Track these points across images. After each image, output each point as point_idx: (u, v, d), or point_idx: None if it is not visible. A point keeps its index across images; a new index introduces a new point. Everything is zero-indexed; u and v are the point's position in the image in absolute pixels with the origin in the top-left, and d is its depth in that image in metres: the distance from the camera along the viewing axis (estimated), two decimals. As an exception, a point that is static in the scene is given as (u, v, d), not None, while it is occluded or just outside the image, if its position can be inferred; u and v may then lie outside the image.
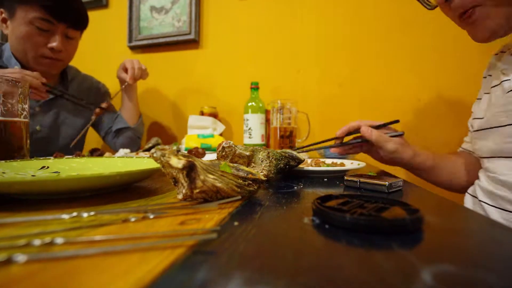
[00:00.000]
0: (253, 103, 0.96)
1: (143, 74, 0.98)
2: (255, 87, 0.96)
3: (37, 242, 0.15)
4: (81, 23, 0.85)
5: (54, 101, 0.90)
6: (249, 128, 0.95)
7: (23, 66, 0.82)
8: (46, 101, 0.88)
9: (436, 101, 0.95)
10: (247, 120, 0.96)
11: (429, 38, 0.96)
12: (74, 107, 0.94)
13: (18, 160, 0.38)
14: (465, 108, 0.91)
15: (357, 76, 1.03)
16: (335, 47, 1.06)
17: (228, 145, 0.34)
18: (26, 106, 0.48)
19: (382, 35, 1.01)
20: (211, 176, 0.24)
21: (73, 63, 0.98)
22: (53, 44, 0.78)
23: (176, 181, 0.24)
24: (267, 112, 1.01)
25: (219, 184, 0.24)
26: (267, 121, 0.99)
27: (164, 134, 1.25)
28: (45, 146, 0.88)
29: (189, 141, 0.89)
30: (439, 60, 0.94)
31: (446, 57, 0.94)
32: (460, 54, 0.92)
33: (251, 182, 0.27)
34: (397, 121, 0.52)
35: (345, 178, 0.36)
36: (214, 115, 1.08)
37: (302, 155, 0.41)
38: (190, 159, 0.23)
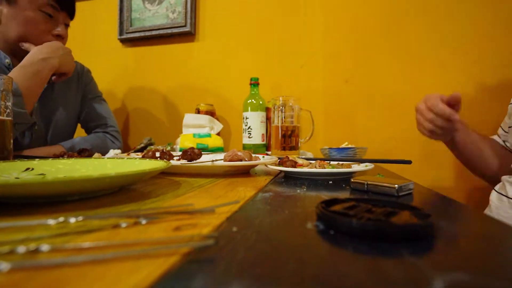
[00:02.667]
0: (253, 100, 0.95)
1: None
2: (254, 83, 0.96)
3: (21, 249, 0.15)
4: (74, 13, 0.91)
5: (48, 94, 0.90)
6: (249, 127, 0.95)
7: (15, 56, 0.82)
8: (42, 94, 0.87)
9: (449, 98, 0.95)
10: (247, 118, 0.96)
11: (442, 31, 0.96)
12: (65, 96, 0.96)
13: (1, 162, 0.38)
14: (482, 106, 0.91)
15: (365, 71, 1.03)
16: (341, 40, 1.06)
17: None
18: (9, 104, 0.47)
19: (392, 27, 1.01)
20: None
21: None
22: (59, 30, 0.84)
23: None
24: (267, 110, 1.01)
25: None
26: (268, 119, 0.99)
27: (157, 134, 1.25)
28: (45, 145, 0.89)
29: (184, 141, 0.89)
30: (453, 54, 0.94)
31: (460, 51, 0.94)
32: (476, 46, 0.92)
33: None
34: (409, 162, 0.53)
35: (352, 180, 0.36)
36: (211, 113, 1.08)
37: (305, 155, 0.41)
38: None
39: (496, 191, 0.60)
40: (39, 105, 0.88)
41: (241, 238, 0.18)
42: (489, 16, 0.91)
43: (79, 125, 1.04)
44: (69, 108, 0.97)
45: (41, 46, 0.76)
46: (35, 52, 0.74)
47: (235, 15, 1.18)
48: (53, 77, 0.81)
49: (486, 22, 0.91)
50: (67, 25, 0.89)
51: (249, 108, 0.96)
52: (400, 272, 0.14)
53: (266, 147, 0.96)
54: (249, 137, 0.97)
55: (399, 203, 0.22)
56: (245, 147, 0.96)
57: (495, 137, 0.74)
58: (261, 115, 0.94)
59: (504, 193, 0.58)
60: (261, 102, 0.95)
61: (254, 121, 0.96)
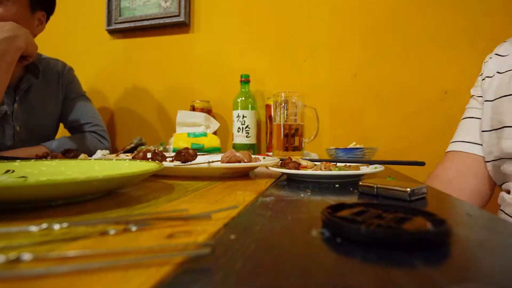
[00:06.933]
0: (247, 98, 1.00)
1: None
2: (245, 80, 1.01)
3: (0, 258, 0.15)
4: None
5: (28, 94, 0.91)
6: (247, 126, 0.97)
7: None
8: (23, 96, 0.89)
9: (466, 94, 0.95)
10: (244, 117, 0.98)
11: (457, 21, 0.96)
12: (45, 97, 0.96)
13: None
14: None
15: (376, 65, 1.03)
16: (349, 30, 1.06)
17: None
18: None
19: (405, 16, 1.01)
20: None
21: (41, 50, 0.97)
22: None
23: None
24: (267, 108, 1.02)
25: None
26: (269, 117, 0.99)
27: (148, 133, 1.26)
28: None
29: (177, 141, 0.89)
30: (470, 46, 0.94)
31: (477, 42, 0.94)
32: (495, 37, 0.92)
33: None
34: (422, 164, 0.53)
35: (360, 183, 0.36)
36: (207, 111, 1.08)
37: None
38: None
39: (501, 210, 0.61)
40: (19, 107, 0.88)
41: (240, 247, 0.18)
42: (505, 7, 0.91)
43: (61, 126, 1.05)
44: (50, 110, 0.98)
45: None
46: None
47: (233, 4, 1.18)
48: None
49: (503, 13, 0.92)
50: None
51: (249, 106, 0.98)
52: (412, 283, 0.14)
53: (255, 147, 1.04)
54: (247, 137, 0.98)
55: (412, 208, 0.22)
56: (238, 147, 0.98)
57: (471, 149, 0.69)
58: (253, 113, 1.00)
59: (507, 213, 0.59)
60: (252, 101, 1.01)
61: (251, 120, 0.99)
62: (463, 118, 0.73)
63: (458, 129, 0.74)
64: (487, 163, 0.64)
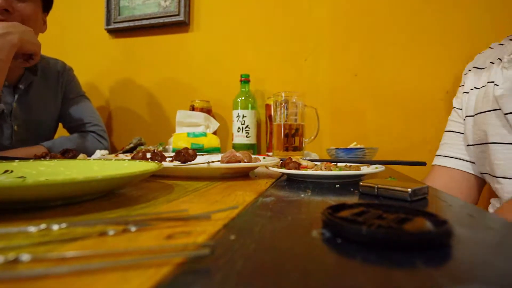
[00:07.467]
0: (247, 97, 1.00)
1: None
2: (245, 79, 1.02)
3: (-1, 259, 0.15)
4: None
5: (27, 93, 0.91)
6: (247, 126, 0.97)
7: None
8: (22, 95, 0.89)
9: (467, 94, 0.95)
10: (244, 117, 0.98)
11: (458, 20, 0.96)
12: (44, 96, 0.96)
13: (-23, 163, 0.38)
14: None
15: (376, 64, 1.03)
16: (350, 29, 1.06)
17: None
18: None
19: (407, 14, 1.01)
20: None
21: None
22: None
23: None
24: (267, 107, 1.02)
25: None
26: (269, 117, 0.99)
27: (147, 133, 1.25)
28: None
29: (177, 141, 0.89)
30: (471, 45, 0.94)
31: (478, 42, 0.94)
32: (496, 36, 0.92)
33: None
34: (423, 164, 0.54)
35: (361, 184, 0.36)
36: (207, 110, 1.08)
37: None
38: None
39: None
40: (17, 106, 0.89)
41: (240, 247, 0.18)
42: (506, 6, 0.91)
43: (60, 126, 1.05)
44: (49, 109, 0.98)
45: None
46: None
47: (233, 4, 1.18)
48: (18, 61, 0.74)
49: (504, 13, 0.91)
50: None
51: (249, 106, 0.98)
52: (413, 283, 0.14)
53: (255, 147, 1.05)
54: (247, 137, 0.99)
55: (413, 209, 0.22)
56: (238, 147, 0.99)
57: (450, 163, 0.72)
58: (253, 113, 1.01)
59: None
60: (252, 100, 1.02)
61: (252, 120, 1.00)
62: (446, 131, 0.75)
63: (442, 141, 0.76)
64: (483, 174, 0.66)
